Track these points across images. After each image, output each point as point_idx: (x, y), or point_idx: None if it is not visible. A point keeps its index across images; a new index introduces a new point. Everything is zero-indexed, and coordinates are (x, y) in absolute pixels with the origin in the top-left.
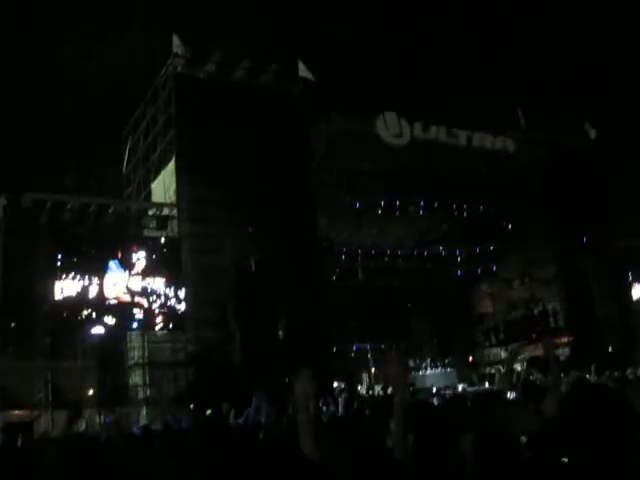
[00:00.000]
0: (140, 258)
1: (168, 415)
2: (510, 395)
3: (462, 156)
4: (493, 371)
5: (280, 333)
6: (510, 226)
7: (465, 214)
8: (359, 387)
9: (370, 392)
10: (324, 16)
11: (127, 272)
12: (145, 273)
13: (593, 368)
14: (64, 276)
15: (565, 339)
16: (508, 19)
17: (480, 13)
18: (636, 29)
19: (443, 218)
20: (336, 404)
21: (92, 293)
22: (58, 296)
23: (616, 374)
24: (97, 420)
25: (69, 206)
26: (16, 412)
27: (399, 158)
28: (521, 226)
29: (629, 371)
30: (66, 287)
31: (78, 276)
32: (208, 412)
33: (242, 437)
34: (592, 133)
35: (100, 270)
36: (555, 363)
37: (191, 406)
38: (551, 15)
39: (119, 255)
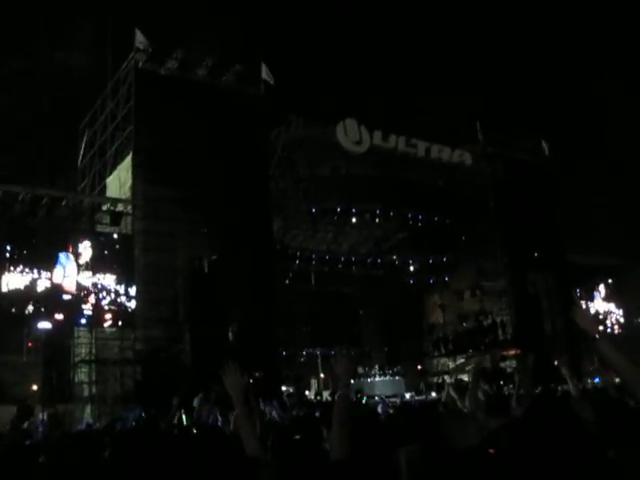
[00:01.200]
0: (86, 247)
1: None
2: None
3: (420, 167)
4: (441, 381)
5: (230, 335)
6: (463, 238)
7: (420, 224)
8: (307, 392)
9: (318, 397)
10: (290, 21)
11: (77, 266)
12: (95, 269)
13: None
14: (12, 268)
15: (513, 352)
16: (471, 36)
17: (444, 28)
18: (594, 51)
19: (398, 227)
20: (283, 408)
21: (40, 287)
22: (4, 289)
23: (560, 388)
24: (40, 417)
25: (20, 197)
26: None
27: (357, 166)
28: (474, 239)
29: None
30: (13, 280)
31: (27, 269)
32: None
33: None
34: (547, 150)
35: (50, 264)
36: (527, 376)
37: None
38: (514, 33)
39: (70, 249)
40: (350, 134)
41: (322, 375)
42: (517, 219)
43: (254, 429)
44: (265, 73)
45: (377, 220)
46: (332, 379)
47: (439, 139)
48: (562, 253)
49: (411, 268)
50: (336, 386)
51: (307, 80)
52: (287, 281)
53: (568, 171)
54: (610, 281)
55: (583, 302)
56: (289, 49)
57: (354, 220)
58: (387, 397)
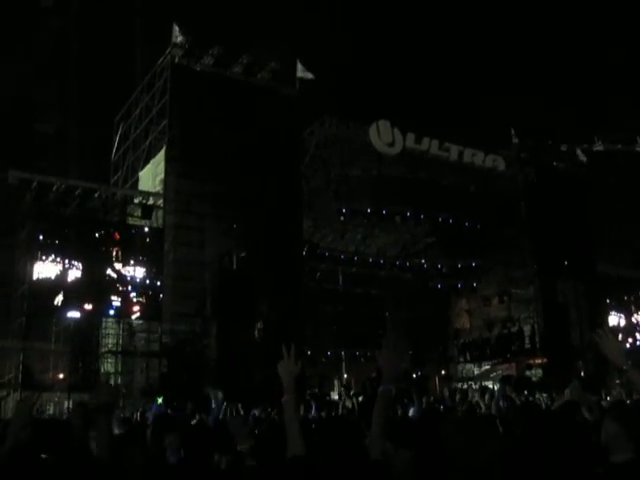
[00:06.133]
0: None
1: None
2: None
3: (452, 171)
4: (465, 386)
5: (256, 332)
6: (493, 244)
7: (450, 229)
8: (330, 393)
9: (341, 399)
10: (327, 21)
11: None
12: (126, 261)
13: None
14: (44, 257)
15: (539, 360)
16: (508, 42)
17: (478, 32)
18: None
19: (428, 231)
20: (308, 408)
21: (71, 277)
22: (35, 277)
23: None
24: (65, 404)
25: (55, 187)
26: None
27: (389, 167)
28: (504, 245)
29: (603, 398)
30: (45, 269)
31: (58, 259)
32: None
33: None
34: (583, 159)
35: (81, 254)
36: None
37: (159, 399)
38: (551, 43)
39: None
40: (383, 135)
41: (345, 376)
42: (548, 226)
43: (299, 423)
44: (301, 71)
45: (407, 223)
46: (356, 380)
47: (472, 143)
48: (593, 263)
49: (439, 272)
50: (359, 387)
51: (342, 80)
52: (314, 281)
53: (602, 181)
54: None
55: (615, 315)
56: (326, 49)
57: (383, 222)
58: None
